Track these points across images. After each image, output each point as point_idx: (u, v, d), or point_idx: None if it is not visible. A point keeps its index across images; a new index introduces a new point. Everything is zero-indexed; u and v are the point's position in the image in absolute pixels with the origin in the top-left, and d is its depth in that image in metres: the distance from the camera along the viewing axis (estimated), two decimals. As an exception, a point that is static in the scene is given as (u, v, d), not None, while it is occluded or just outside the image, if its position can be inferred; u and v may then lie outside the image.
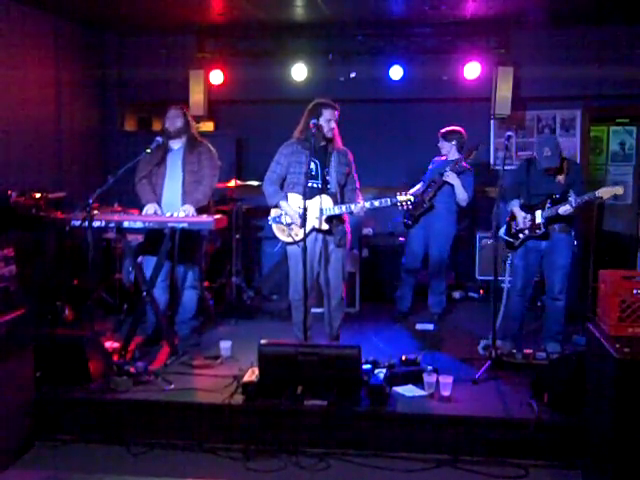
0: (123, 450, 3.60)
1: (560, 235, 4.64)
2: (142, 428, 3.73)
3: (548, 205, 4.58)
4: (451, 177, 5.44)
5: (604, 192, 4.36)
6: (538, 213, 4.63)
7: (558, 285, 4.67)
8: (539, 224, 4.62)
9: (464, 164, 5.57)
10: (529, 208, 4.70)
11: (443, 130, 5.64)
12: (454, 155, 5.59)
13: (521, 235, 4.71)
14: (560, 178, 4.64)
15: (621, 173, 8.01)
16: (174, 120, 4.77)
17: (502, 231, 4.89)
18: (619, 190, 4.36)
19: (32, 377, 3.70)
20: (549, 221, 4.60)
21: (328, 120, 4.41)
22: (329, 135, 4.43)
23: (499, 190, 4.51)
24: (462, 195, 5.48)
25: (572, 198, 4.47)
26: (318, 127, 4.34)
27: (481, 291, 6.62)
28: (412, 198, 4.30)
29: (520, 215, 4.71)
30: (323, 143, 4.46)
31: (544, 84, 6.54)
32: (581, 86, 6.49)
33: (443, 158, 5.71)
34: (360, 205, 4.36)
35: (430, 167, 5.75)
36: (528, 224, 4.67)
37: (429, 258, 5.78)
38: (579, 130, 6.66)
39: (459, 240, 6.13)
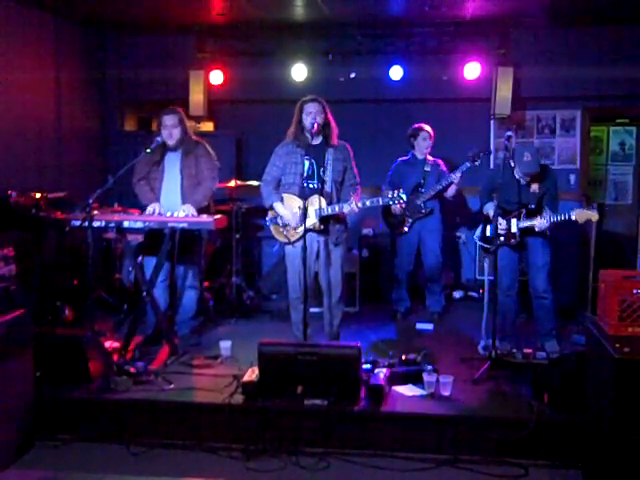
0: (123, 450, 3.60)
1: (538, 235, 4.61)
2: (142, 428, 3.73)
3: (523, 216, 4.57)
4: (458, 178, 5.57)
5: (579, 216, 4.33)
6: (513, 222, 4.60)
7: (542, 284, 4.67)
8: (514, 234, 4.60)
9: (438, 160, 5.80)
10: (504, 212, 4.65)
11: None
12: (424, 152, 5.73)
13: (497, 241, 4.65)
14: (534, 187, 4.60)
15: (621, 173, 8.02)
16: (171, 130, 4.63)
17: (477, 233, 4.87)
18: (594, 216, 4.32)
19: (32, 377, 3.70)
20: (524, 232, 4.59)
21: (309, 113, 4.34)
22: (312, 130, 4.32)
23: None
24: (454, 192, 5.67)
25: (547, 215, 4.46)
26: (323, 126, 4.34)
27: (481, 291, 6.62)
28: (404, 196, 4.26)
29: (496, 220, 4.63)
30: (318, 141, 4.44)
31: (544, 84, 6.54)
32: (581, 86, 6.49)
33: (406, 158, 5.79)
34: (352, 205, 4.31)
35: (396, 167, 5.82)
36: (503, 231, 4.63)
37: (424, 260, 5.81)
38: (579, 130, 6.66)
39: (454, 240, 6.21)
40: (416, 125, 5.75)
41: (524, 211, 4.58)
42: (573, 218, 4.35)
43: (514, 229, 4.60)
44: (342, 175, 4.52)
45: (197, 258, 4.92)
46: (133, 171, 4.73)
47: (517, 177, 4.62)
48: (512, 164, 4.60)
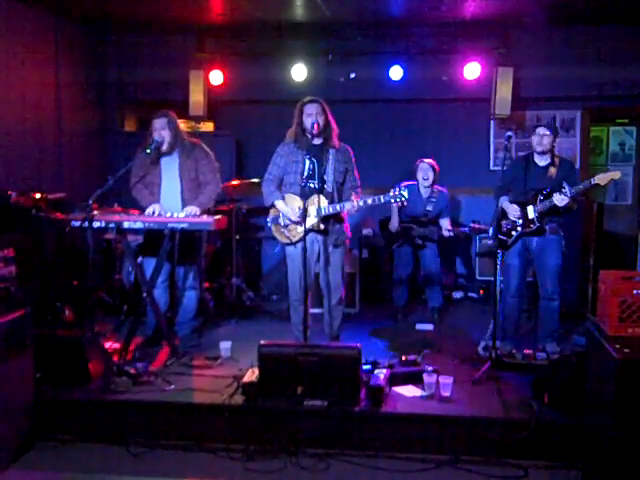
0: (123, 450, 3.60)
1: (551, 236, 4.61)
2: (142, 428, 3.73)
3: (540, 199, 4.54)
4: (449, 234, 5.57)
5: (601, 178, 4.25)
6: (530, 208, 4.59)
7: (551, 286, 4.65)
8: (532, 219, 4.58)
9: (441, 188, 5.71)
10: (519, 205, 4.65)
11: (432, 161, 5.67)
12: (425, 186, 5.65)
13: (514, 232, 4.66)
14: (552, 171, 4.59)
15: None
16: (160, 133, 4.59)
17: (492, 230, 4.87)
18: (617, 174, 4.25)
19: (32, 377, 3.70)
20: (542, 215, 4.57)
21: (309, 115, 4.35)
22: (313, 130, 4.33)
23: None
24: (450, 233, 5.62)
25: (567, 188, 4.40)
26: (323, 127, 4.34)
27: (481, 291, 6.63)
28: (405, 193, 4.23)
29: (511, 209, 4.64)
30: (319, 142, 4.44)
31: (544, 84, 6.55)
32: (581, 86, 6.49)
33: (413, 183, 5.68)
34: (354, 204, 4.32)
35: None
36: (520, 220, 4.62)
37: (423, 265, 5.82)
38: (579, 130, 6.67)
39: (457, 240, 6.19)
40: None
41: (540, 195, 4.55)
42: (595, 182, 4.26)
43: (531, 215, 4.58)
44: (343, 176, 4.52)
45: (197, 259, 4.92)
46: (130, 173, 4.71)
47: (536, 161, 4.62)
48: (533, 145, 4.61)
